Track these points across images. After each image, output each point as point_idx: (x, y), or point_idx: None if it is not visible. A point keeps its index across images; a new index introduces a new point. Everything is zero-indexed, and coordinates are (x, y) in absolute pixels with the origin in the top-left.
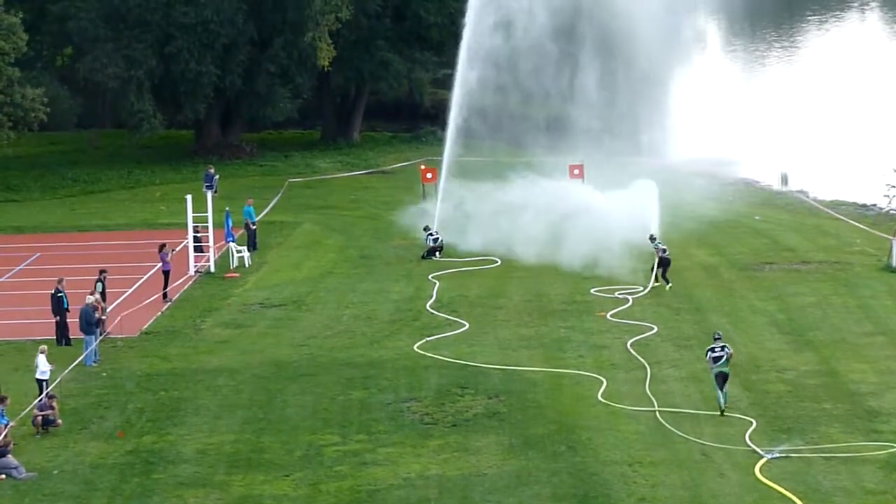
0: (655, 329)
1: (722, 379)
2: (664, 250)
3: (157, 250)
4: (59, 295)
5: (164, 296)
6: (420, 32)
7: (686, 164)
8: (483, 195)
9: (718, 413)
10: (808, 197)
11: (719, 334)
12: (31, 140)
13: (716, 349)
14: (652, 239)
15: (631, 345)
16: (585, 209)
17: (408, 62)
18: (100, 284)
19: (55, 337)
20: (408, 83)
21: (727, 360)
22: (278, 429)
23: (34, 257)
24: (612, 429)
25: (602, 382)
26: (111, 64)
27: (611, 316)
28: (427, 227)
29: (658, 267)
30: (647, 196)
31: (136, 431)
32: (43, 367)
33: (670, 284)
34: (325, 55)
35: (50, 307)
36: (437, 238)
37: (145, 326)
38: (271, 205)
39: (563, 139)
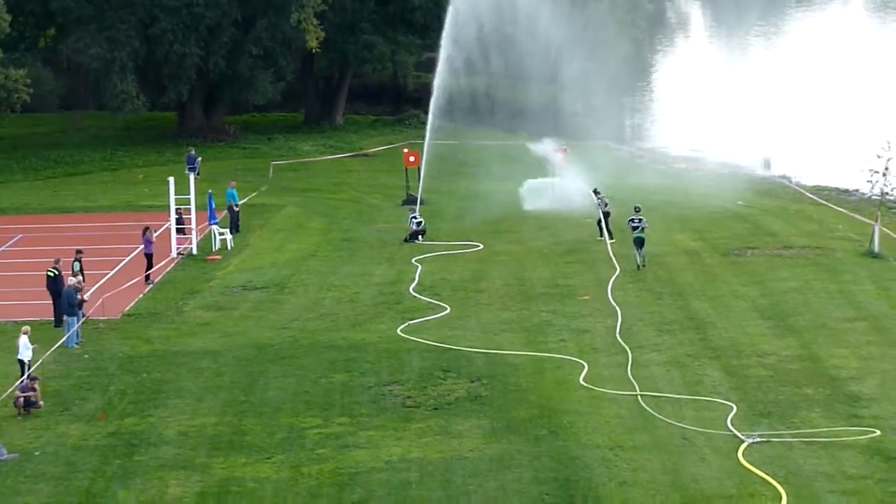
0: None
1: (639, 243)
2: (606, 204)
3: (140, 233)
4: (57, 275)
5: (147, 278)
6: (404, 15)
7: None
8: None
9: (636, 268)
10: (790, 182)
11: (639, 207)
12: (14, 121)
13: (634, 220)
14: (596, 193)
15: (610, 328)
16: None
17: (392, 45)
18: (76, 264)
19: (53, 319)
20: (392, 66)
21: (642, 229)
22: (260, 411)
23: (16, 239)
24: (594, 413)
25: (584, 366)
26: (94, 45)
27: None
28: (412, 209)
29: (604, 220)
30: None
31: (118, 413)
32: (25, 348)
33: (614, 240)
34: (313, 37)
35: (46, 287)
36: (421, 221)
37: (127, 308)
38: (262, 189)
39: (548, 123)
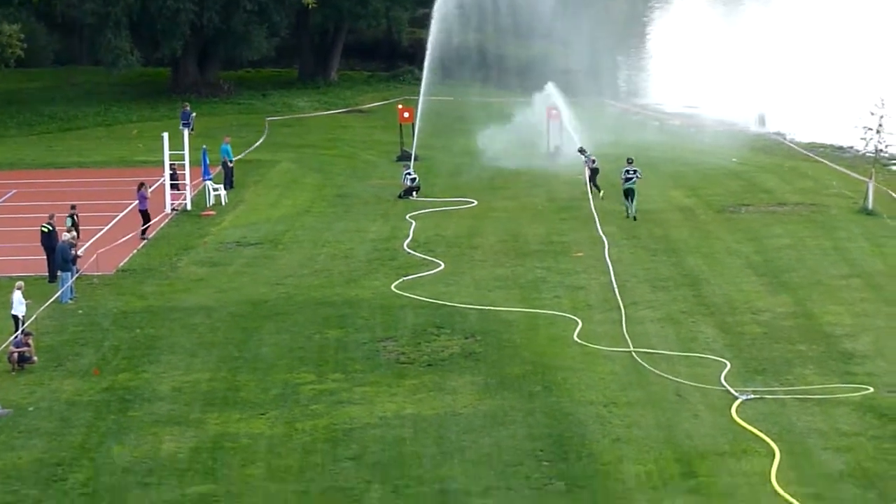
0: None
1: (630, 194)
2: (593, 161)
3: (136, 188)
4: (51, 230)
5: (143, 233)
6: None
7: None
8: None
9: (629, 217)
10: (785, 139)
11: (632, 159)
12: (8, 76)
13: (628, 171)
14: (582, 151)
15: (604, 284)
16: None
17: (386, 1)
18: (69, 220)
19: (47, 274)
20: (386, 22)
21: (635, 181)
22: (254, 367)
23: (10, 194)
24: (588, 369)
25: (578, 323)
26: (88, 0)
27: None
28: (406, 165)
29: (591, 177)
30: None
31: (112, 369)
32: (19, 303)
33: (602, 192)
34: None
35: (40, 242)
36: (415, 178)
37: (122, 264)
38: (256, 145)
39: (543, 80)
